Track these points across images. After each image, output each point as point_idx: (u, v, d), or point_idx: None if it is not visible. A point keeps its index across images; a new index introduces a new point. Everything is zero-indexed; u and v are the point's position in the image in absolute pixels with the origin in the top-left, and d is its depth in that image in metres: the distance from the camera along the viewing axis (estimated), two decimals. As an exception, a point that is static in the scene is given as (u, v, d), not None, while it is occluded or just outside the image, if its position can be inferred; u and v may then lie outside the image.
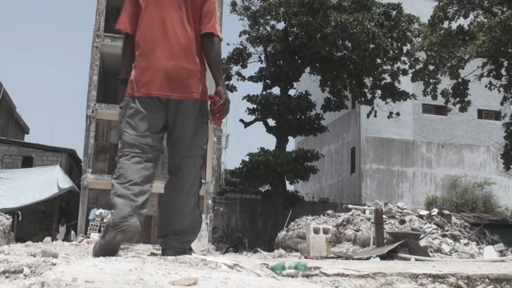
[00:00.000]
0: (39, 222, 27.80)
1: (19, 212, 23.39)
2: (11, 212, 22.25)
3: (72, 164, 29.88)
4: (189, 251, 3.76)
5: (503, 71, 24.64)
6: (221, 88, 3.69)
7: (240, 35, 30.42)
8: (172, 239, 3.67)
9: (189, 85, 3.65)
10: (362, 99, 30.05)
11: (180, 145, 3.72)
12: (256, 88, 66.53)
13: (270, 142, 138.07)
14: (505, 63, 24.26)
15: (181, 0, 3.73)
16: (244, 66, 30.75)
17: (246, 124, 30.26)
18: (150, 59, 3.67)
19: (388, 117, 30.08)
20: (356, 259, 10.14)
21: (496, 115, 34.63)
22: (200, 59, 3.73)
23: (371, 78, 29.52)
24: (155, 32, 3.69)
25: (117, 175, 3.54)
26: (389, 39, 26.65)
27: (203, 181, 4.56)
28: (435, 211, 17.51)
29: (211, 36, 3.72)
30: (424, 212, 17.35)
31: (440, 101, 26.79)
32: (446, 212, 17.89)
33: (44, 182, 24.88)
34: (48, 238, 15.09)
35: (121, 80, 3.98)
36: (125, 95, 3.79)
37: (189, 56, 3.68)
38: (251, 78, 30.32)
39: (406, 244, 11.46)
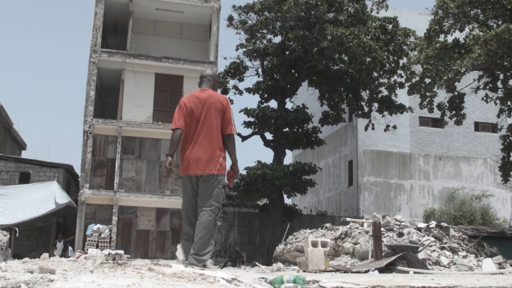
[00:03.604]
0: (36, 238, 27.69)
1: (16, 229, 23.32)
2: (8, 228, 22.18)
3: (69, 180, 29.84)
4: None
5: (499, 84, 24.70)
6: (235, 165, 6.39)
7: (237, 49, 30.47)
8: (191, 258, 6.06)
9: (209, 166, 6.17)
10: (359, 112, 30.08)
11: (202, 200, 6.20)
12: (253, 102, 66.63)
13: (267, 156, 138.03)
14: (501, 76, 24.34)
15: (210, 112, 6.21)
16: (241, 80, 30.78)
17: (243, 138, 30.24)
18: (189, 151, 6.25)
19: (385, 130, 30.09)
20: (355, 272, 10.12)
21: (493, 128, 34.68)
22: (219, 148, 6.25)
23: (367, 91, 29.56)
24: (194, 134, 6.23)
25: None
26: (386, 53, 26.72)
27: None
28: (433, 223, 17.49)
29: (229, 136, 6.32)
30: (422, 225, 17.32)
31: (437, 114, 26.83)
32: (444, 224, 17.85)
33: (41, 198, 24.82)
34: (45, 254, 15.03)
35: (168, 155, 6.41)
36: (180, 174, 6.48)
37: (211, 148, 6.20)
38: (248, 90, 30.34)
39: (405, 257, 11.44)
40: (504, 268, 14.33)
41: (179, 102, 6.58)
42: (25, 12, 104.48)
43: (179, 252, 25.26)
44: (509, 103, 24.88)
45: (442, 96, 25.98)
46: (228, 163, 6.51)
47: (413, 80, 24.98)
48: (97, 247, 23.38)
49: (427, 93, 24.40)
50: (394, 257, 11.25)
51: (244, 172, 27.78)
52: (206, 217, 6.12)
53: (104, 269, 3.95)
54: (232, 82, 30.66)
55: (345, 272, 10.53)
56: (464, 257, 15.21)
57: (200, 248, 5.99)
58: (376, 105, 29.79)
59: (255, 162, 28.11)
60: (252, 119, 28.88)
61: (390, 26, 27.99)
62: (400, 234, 15.81)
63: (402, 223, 16.95)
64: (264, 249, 27.53)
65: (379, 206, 32.37)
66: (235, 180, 6.56)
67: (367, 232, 15.51)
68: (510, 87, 24.36)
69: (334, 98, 30.29)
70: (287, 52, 29.91)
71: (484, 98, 25.51)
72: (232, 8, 30.24)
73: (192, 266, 5.68)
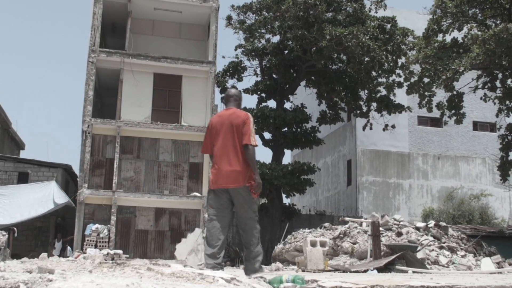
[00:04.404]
0: (35, 238, 27.66)
1: (15, 229, 23.31)
2: (6, 228, 22.18)
3: (68, 180, 29.81)
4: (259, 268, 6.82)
5: (497, 83, 24.73)
6: (255, 176, 6.55)
7: (235, 49, 30.46)
8: (247, 264, 6.87)
9: (238, 179, 6.52)
10: (358, 111, 30.07)
11: (240, 213, 6.74)
12: (252, 102, 66.61)
13: (266, 155, 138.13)
14: (500, 75, 24.36)
15: (231, 128, 6.62)
16: (239, 80, 30.77)
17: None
18: (218, 167, 6.64)
19: (384, 130, 30.09)
20: (354, 271, 10.12)
21: (491, 127, 34.70)
22: (244, 161, 6.56)
23: (366, 91, 29.53)
24: (220, 150, 6.67)
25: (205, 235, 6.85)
26: (384, 52, 26.71)
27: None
28: (431, 223, 17.50)
29: (246, 146, 6.56)
30: (421, 224, 17.33)
31: (436, 113, 26.86)
32: (443, 224, 17.87)
33: (40, 198, 24.80)
34: (44, 254, 15.05)
35: None
36: (209, 188, 6.85)
37: (237, 162, 6.55)
38: (246, 91, 30.32)
39: (404, 257, 11.44)
40: (502, 267, 14.34)
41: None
42: (23, 11, 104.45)
43: (178, 252, 25.30)
44: (507, 102, 24.91)
45: (440, 95, 25.99)
46: None
47: (412, 80, 24.99)
48: (95, 247, 23.36)
49: (426, 93, 24.41)
50: (393, 257, 11.26)
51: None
52: (249, 228, 6.78)
53: (103, 269, 3.94)
54: (230, 82, 30.67)
55: (344, 271, 10.53)
56: (462, 256, 15.23)
57: (251, 254, 6.86)
58: (374, 104, 29.78)
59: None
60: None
61: (389, 25, 28.00)
62: (399, 234, 15.82)
63: (401, 223, 16.97)
64: (263, 249, 27.49)
65: (378, 205, 32.38)
66: (258, 191, 6.68)
67: (366, 232, 15.51)
68: (509, 86, 24.39)
69: (332, 97, 30.28)
70: (285, 52, 29.89)
71: (483, 98, 25.54)
72: (231, 8, 30.26)
73: (251, 272, 6.58)
